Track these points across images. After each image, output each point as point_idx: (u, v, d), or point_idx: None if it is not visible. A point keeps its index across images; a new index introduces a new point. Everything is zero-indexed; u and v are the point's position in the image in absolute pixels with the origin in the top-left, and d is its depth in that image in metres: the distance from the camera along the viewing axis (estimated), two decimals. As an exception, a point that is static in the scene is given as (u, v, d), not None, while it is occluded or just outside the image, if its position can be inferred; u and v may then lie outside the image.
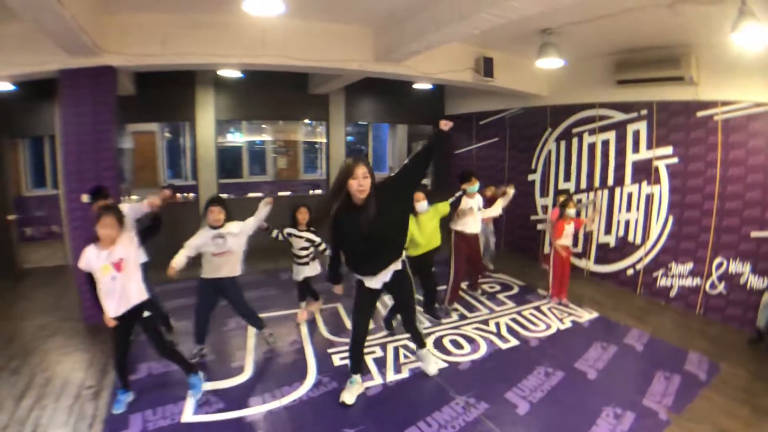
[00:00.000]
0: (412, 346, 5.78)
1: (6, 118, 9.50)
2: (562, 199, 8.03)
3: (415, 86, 12.04)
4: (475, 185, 7.40)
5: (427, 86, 12.14)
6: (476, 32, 6.00)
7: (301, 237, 6.64)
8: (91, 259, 4.40)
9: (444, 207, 6.82)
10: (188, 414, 4.69)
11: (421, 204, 6.45)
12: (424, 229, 6.49)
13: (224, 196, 11.02)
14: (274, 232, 6.64)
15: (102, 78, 6.71)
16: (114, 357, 4.78)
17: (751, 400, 5.05)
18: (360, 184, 4.24)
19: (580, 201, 9.17)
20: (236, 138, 14.43)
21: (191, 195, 11.64)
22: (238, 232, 5.56)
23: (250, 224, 5.65)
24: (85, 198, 6.29)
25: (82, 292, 6.79)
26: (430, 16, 6.09)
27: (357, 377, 5.12)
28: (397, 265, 4.81)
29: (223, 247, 5.48)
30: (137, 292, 4.62)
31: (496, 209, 7.93)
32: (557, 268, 7.81)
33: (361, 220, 4.28)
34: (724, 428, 4.57)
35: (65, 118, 6.81)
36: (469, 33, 6.21)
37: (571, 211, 7.67)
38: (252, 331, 6.61)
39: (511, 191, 7.93)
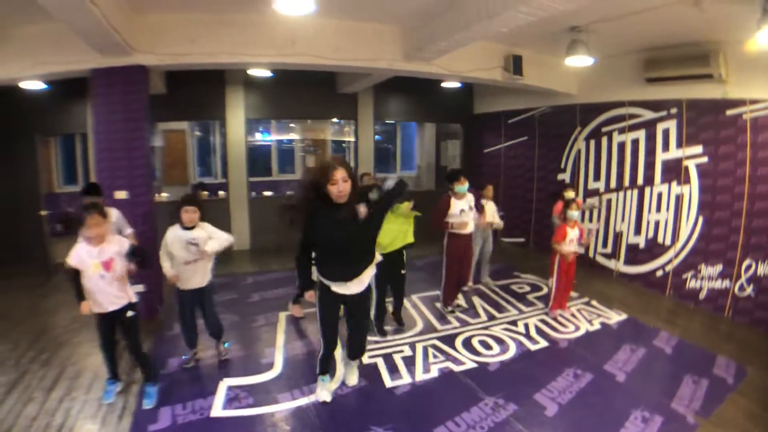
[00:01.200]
0: (441, 345, 5.79)
1: (39, 116, 9.72)
2: (567, 194, 7.87)
3: (443, 85, 12.01)
4: (465, 185, 7.18)
5: (456, 85, 12.11)
6: (505, 30, 5.97)
7: None
8: (82, 255, 4.39)
9: (402, 207, 6.29)
10: (218, 409, 4.76)
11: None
12: (386, 231, 5.79)
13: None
14: None
15: (133, 77, 6.82)
16: (100, 348, 4.81)
17: (779, 404, 5.00)
18: (340, 190, 4.04)
19: (584, 201, 8.90)
20: (265, 137, 14.49)
21: (222, 193, 11.75)
22: (206, 239, 5.23)
23: (213, 246, 5.25)
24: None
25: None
26: (459, 14, 6.09)
27: (327, 376, 5.07)
28: (369, 277, 4.66)
29: (195, 254, 5.23)
30: (124, 293, 4.63)
31: (495, 218, 8.11)
32: (561, 277, 7.26)
33: (342, 221, 4.12)
34: (750, 433, 4.55)
35: (97, 116, 6.93)
36: (498, 31, 6.17)
37: (574, 213, 7.11)
38: (282, 327, 6.70)
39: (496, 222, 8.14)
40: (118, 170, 6.84)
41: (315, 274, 4.68)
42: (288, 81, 10.95)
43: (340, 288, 4.49)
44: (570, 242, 7.10)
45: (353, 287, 4.51)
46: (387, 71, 8.34)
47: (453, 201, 7.11)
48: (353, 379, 5.35)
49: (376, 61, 7.65)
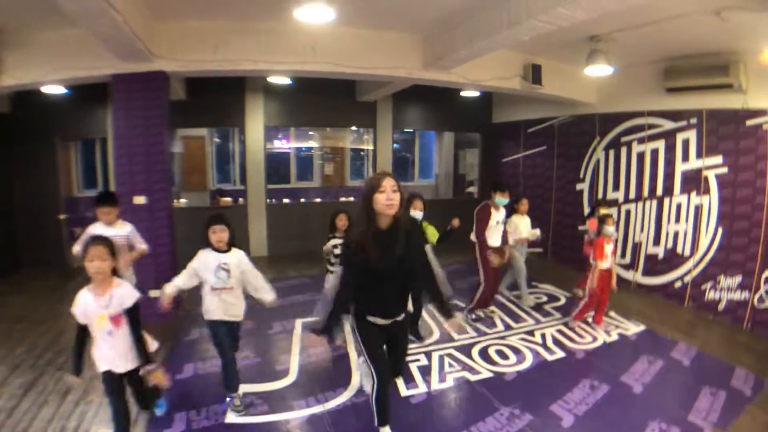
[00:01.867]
0: (457, 355, 5.77)
1: (59, 120, 9.85)
2: (603, 212, 7.69)
3: (462, 93, 12.06)
4: (506, 199, 7.21)
5: (475, 93, 12.16)
6: (525, 39, 6.01)
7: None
8: (88, 305, 3.73)
9: (433, 233, 6.37)
10: (232, 415, 4.77)
11: (417, 213, 6.17)
12: None
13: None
14: (332, 255, 6.19)
15: (154, 83, 6.91)
16: (109, 405, 4.04)
17: (797, 418, 4.94)
18: (389, 198, 3.57)
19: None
20: (284, 144, 14.56)
21: (240, 200, 11.81)
22: (237, 265, 4.73)
23: (252, 277, 4.91)
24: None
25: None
26: (480, 23, 6.13)
27: (387, 428, 4.23)
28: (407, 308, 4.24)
29: (225, 282, 4.67)
30: (129, 352, 3.90)
31: (531, 231, 8.08)
32: (596, 293, 7.12)
33: (390, 245, 3.65)
34: (769, 446, 4.50)
35: (117, 121, 7.03)
36: (518, 40, 6.20)
37: (610, 229, 7.01)
38: (298, 334, 6.77)
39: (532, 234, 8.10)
40: (137, 175, 6.92)
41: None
42: (307, 89, 11.05)
43: (378, 320, 4.00)
44: (605, 258, 7.04)
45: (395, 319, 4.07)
46: (406, 80, 8.37)
47: (493, 212, 7.08)
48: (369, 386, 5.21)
49: (395, 70, 7.68)
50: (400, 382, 5.45)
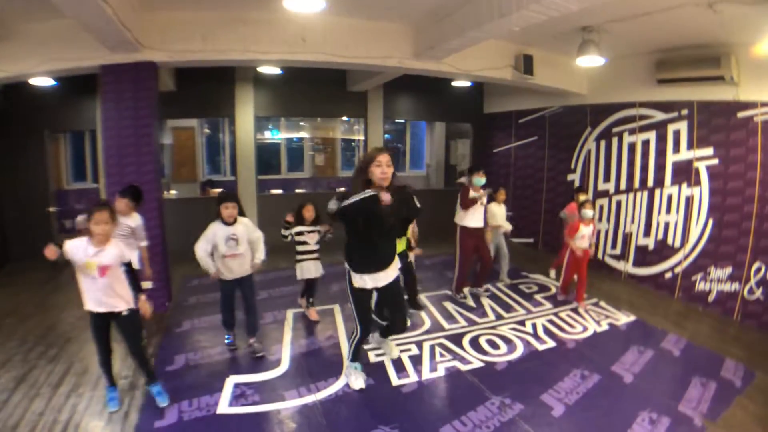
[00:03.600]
0: (448, 344, 5.82)
1: (48, 112, 9.78)
2: (582, 198, 8.19)
3: (453, 84, 12.05)
4: (482, 178, 7.66)
5: (466, 84, 12.16)
6: (517, 29, 5.98)
7: (312, 231, 6.75)
8: (78, 250, 4.19)
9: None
10: (224, 406, 4.76)
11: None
12: None
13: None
14: (288, 236, 6.73)
15: (143, 74, 6.84)
16: (97, 353, 4.64)
17: (787, 408, 4.98)
18: (383, 172, 4.39)
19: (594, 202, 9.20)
20: (274, 135, 14.51)
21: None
22: (244, 233, 5.65)
23: (255, 241, 5.81)
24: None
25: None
26: (471, 12, 6.10)
27: (359, 363, 5.31)
28: (396, 269, 5.00)
29: (233, 249, 5.56)
30: (119, 300, 4.43)
31: (504, 222, 8.51)
32: (569, 269, 7.85)
33: (381, 208, 4.37)
34: (758, 437, 4.53)
35: (106, 113, 6.95)
36: (509, 30, 6.17)
37: (588, 212, 7.53)
38: (289, 324, 6.76)
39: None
40: (126, 167, 6.87)
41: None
42: (297, 79, 11.01)
43: (371, 281, 4.82)
44: (582, 238, 7.56)
45: (384, 277, 4.85)
46: (397, 69, 8.35)
47: (471, 192, 7.52)
48: (396, 353, 5.83)
49: (386, 59, 7.65)
50: (391, 372, 5.48)
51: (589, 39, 7.36)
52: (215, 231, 5.51)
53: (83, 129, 11.23)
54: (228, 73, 10.83)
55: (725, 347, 6.45)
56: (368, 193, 4.29)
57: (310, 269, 6.76)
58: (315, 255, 6.79)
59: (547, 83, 9.37)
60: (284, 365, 5.65)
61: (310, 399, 4.92)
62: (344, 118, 14.47)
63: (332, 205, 4.49)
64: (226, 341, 6.06)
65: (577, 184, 10.61)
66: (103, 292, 4.31)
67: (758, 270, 7.20)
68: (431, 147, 16.34)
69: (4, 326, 6.63)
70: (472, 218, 7.62)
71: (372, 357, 5.84)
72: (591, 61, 7.57)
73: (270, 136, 14.44)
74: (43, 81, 8.26)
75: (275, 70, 10.32)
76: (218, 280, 5.71)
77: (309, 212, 6.69)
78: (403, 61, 7.77)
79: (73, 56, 6.58)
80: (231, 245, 5.52)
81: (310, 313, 7.07)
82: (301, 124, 14.87)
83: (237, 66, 10.17)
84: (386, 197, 4.35)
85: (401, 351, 6.00)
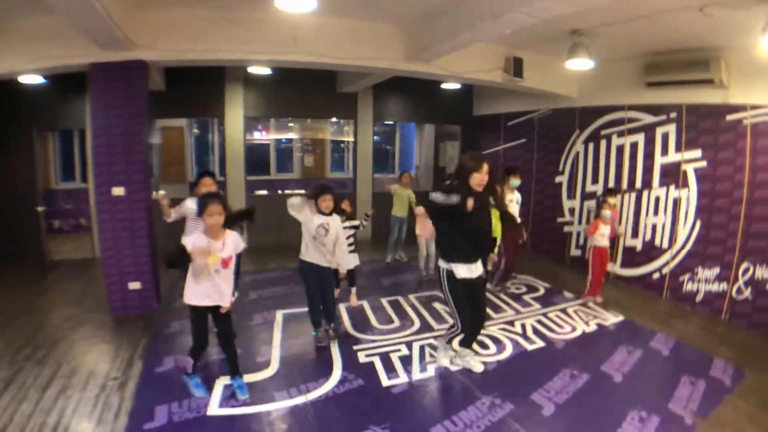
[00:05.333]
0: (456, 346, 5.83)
1: (36, 111, 9.69)
2: (611, 201, 8.26)
3: (443, 86, 12.06)
4: (518, 181, 8.24)
5: (456, 86, 12.17)
6: (507, 32, 5.99)
7: (350, 227, 7.38)
8: (203, 244, 4.38)
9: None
10: (214, 407, 4.73)
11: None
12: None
13: None
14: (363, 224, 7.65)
15: (133, 72, 6.79)
16: (193, 342, 4.88)
17: (776, 407, 5.02)
18: (482, 179, 4.97)
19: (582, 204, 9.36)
20: (263, 135, 14.47)
21: (220, 191, 11.70)
22: (336, 225, 6.03)
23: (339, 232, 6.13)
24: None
25: (108, 285, 6.93)
26: (462, 15, 6.09)
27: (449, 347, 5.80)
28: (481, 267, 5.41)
29: (321, 238, 5.87)
30: (226, 294, 4.67)
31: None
32: (596, 266, 7.96)
33: (477, 212, 4.97)
34: (748, 435, 4.56)
35: (95, 111, 6.90)
36: (500, 32, 6.18)
37: (606, 213, 7.81)
38: (279, 326, 6.79)
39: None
40: (115, 166, 6.83)
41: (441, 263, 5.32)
42: (288, 79, 10.99)
43: (465, 272, 5.19)
44: (602, 236, 7.87)
45: (476, 269, 5.29)
46: (388, 71, 8.35)
47: (507, 193, 7.97)
48: (479, 367, 5.69)
49: (377, 61, 7.65)
50: (381, 372, 5.50)
51: (578, 42, 7.38)
52: (310, 219, 5.87)
53: (72, 128, 11.19)
54: (218, 73, 10.81)
55: (714, 347, 6.50)
56: (454, 199, 4.79)
57: (350, 260, 7.14)
58: (352, 247, 7.37)
59: (536, 86, 9.40)
60: (274, 366, 5.62)
61: (300, 400, 4.91)
62: (334, 119, 14.44)
63: (439, 196, 4.89)
64: (317, 336, 6.22)
65: (565, 186, 10.70)
66: (218, 285, 4.57)
67: (746, 270, 7.27)
68: (420, 149, 16.37)
69: (-9, 327, 6.58)
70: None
71: (362, 357, 5.86)
72: (580, 64, 7.57)
73: (259, 136, 14.41)
74: (32, 79, 8.20)
75: (265, 71, 10.31)
76: (300, 264, 6.15)
77: (347, 207, 7.34)
78: (395, 63, 7.76)
79: (62, 54, 6.51)
80: (321, 233, 5.89)
81: (351, 299, 7.68)
82: (291, 125, 14.86)
83: (227, 66, 10.14)
84: (470, 203, 4.87)
85: (392, 351, 6.03)
